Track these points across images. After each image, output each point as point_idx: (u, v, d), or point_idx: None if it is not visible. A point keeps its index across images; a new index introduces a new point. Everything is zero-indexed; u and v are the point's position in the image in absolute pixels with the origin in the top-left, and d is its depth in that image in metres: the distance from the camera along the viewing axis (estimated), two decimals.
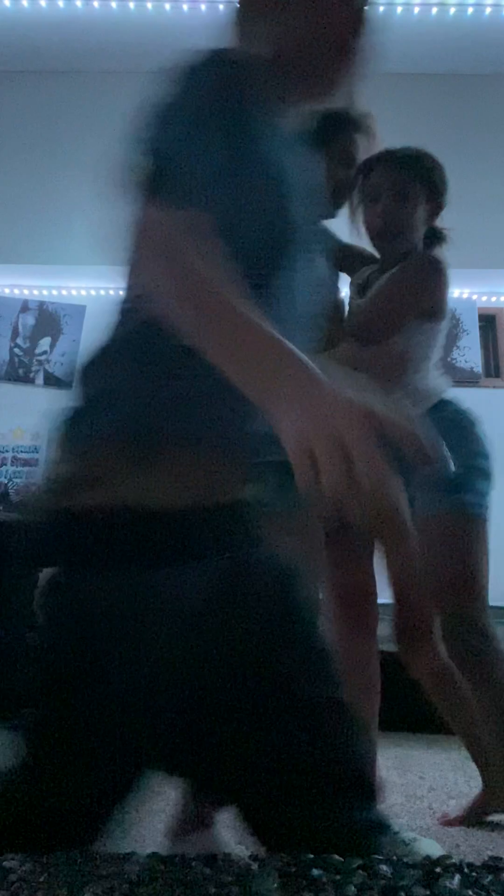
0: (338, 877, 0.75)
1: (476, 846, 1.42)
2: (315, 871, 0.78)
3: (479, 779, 1.97)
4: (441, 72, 3.68)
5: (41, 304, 3.92)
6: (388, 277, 1.47)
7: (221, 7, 3.43)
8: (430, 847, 1.43)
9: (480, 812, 1.59)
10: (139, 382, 0.71)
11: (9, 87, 3.83)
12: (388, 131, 1.60)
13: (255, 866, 0.90)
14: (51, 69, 3.80)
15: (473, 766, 2.11)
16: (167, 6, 3.43)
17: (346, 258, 1.57)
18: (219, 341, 0.62)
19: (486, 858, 1.02)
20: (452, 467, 1.38)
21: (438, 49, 3.61)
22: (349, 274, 1.61)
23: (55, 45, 3.65)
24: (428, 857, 1.00)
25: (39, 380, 3.83)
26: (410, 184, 1.46)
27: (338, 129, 1.42)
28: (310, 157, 0.83)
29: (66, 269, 3.78)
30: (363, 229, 1.53)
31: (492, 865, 0.96)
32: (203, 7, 3.43)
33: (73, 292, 3.92)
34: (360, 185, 1.51)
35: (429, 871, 0.91)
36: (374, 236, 1.52)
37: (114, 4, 3.44)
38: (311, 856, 0.71)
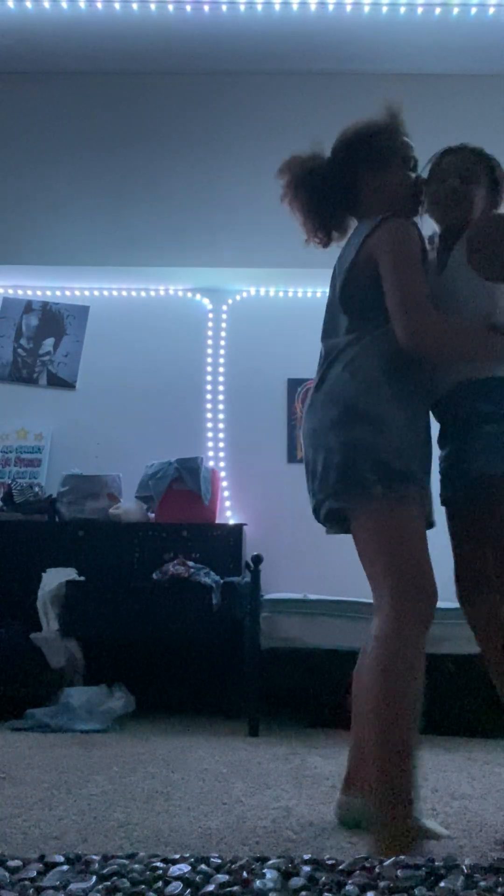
0: (338, 877, 0.75)
1: (479, 847, 1.41)
2: (315, 871, 0.78)
3: (483, 781, 1.97)
4: (441, 72, 3.67)
5: (45, 304, 3.92)
6: (465, 239, 1.58)
7: (224, 8, 3.43)
8: (435, 827, 1.44)
9: None
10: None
11: (13, 88, 3.84)
12: None
13: (256, 866, 0.90)
14: (54, 70, 3.80)
15: (476, 767, 2.11)
16: (170, 7, 3.43)
17: None
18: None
19: (492, 860, 1.02)
20: None
21: (438, 49, 3.61)
22: None
23: (58, 46, 3.65)
24: (431, 859, 0.99)
25: (43, 380, 3.83)
26: (475, 168, 1.62)
27: None
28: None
29: (69, 270, 3.79)
30: (429, 209, 1.65)
31: (497, 868, 0.96)
32: (206, 8, 3.43)
33: (77, 293, 3.93)
34: (430, 171, 1.65)
35: (432, 872, 0.91)
36: (439, 213, 1.64)
37: (117, 6, 3.44)
38: (311, 856, 0.71)
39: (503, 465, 1.45)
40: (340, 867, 0.86)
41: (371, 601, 1.69)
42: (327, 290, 1.64)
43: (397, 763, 1.27)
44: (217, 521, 3.36)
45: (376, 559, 1.42)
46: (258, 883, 0.80)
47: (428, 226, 1.67)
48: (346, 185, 1.62)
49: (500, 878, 0.86)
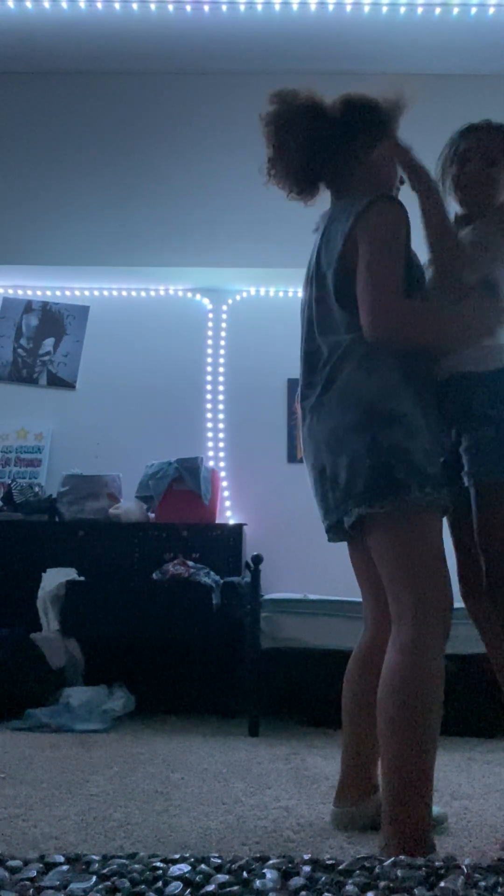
0: (338, 877, 0.75)
1: (479, 847, 1.41)
2: (315, 871, 0.78)
3: (483, 781, 1.97)
4: (441, 72, 3.67)
5: (45, 304, 3.92)
6: (480, 225, 1.56)
7: (224, 8, 3.43)
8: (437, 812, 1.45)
9: None
10: None
11: (13, 88, 3.84)
12: None
13: (256, 866, 0.90)
14: (55, 70, 3.80)
15: (476, 767, 2.10)
16: (170, 7, 3.43)
17: None
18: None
19: (492, 861, 1.02)
20: None
21: (438, 49, 3.61)
22: None
23: (58, 46, 3.65)
24: (431, 858, 0.99)
25: (43, 380, 3.83)
26: (497, 147, 1.59)
27: None
28: None
29: (69, 270, 3.79)
30: (453, 193, 1.63)
31: (497, 868, 0.96)
32: (206, 8, 3.43)
33: (77, 293, 3.93)
34: (451, 153, 1.63)
35: (432, 872, 0.91)
36: (463, 195, 1.61)
37: (117, 6, 3.44)
38: (311, 856, 0.71)
39: (499, 471, 1.43)
40: (340, 867, 0.86)
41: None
42: None
43: (420, 770, 1.26)
44: (217, 521, 3.36)
45: (401, 567, 1.36)
46: (258, 883, 0.80)
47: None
48: (335, 145, 1.52)
49: (500, 878, 0.86)
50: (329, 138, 1.51)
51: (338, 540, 1.55)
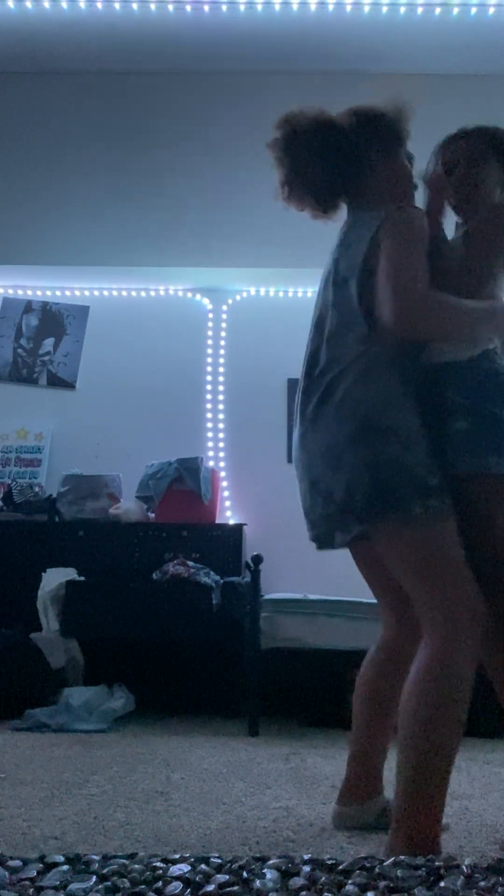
0: (338, 877, 0.75)
1: (479, 847, 1.41)
2: (315, 871, 0.78)
3: (483, 781, 1.97)
4: (441, 72, 3.67)
5: (45, 304, 3.92)
6: (472, 230, 1.54)
7: (224, 8, 3.43)
8: None
9: None
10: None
11: (13, 88, 3.84)
12: None
13: (256, 866, 0.90)
14: (54, 70, 3.80)
15: (476, 767, 2.10)
16: (170, 7, 3.43)
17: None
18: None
19: (492, 861, 1.02)
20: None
21: (438, 49, 3.61)
22: None
23: (58, 46, 3.65)
24: (431, 858, 0.99)
25: (43, 380, 3.83)
26: (483, 149, 1.58)
27: None
28: None
29: (69, 270, 3.79)
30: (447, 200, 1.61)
31: (497, 868, 0.96)
32: (206, 8, 3.43)
33: (77, 293, 3.93)
34: (439, 161, 1.61)
35: (432, 872, 0.91)
36: (453, 204, 1.59)
37: (117, 6, 3.44)
38: (311, 856, 0.71)
39: (480, 463, 1.38)
40: (340, 867, 0.86)
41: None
42: None
43: (437, 778, 1.25)
44: (217, 521, 3.36)
45: (424, 580, 1.34)
46: (258, 883, 0.80)
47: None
48: (352, 158, 1.53)
49: (500, 878, 0.86)
50: (346, 151, 1.53)
51: (326, 549, 1.54)
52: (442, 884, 0.81)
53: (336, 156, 1.52)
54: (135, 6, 3.43)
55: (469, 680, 1.29)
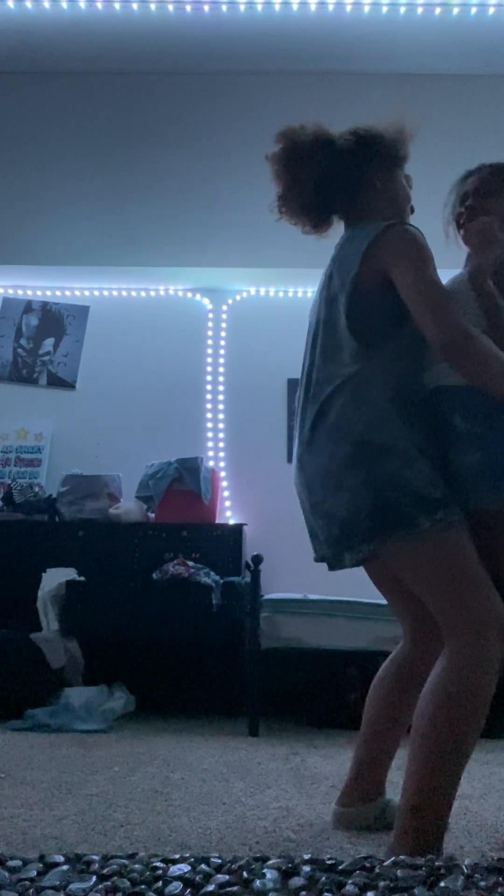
0: (338, 877, 0.75)
1: (479, 847, 1.41)
2: (315, 871, 0.78)
3: (483, 781, 1.97)
4: (441, 72, 3.67)
5: (45, 304, 3.93)
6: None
7: (224, 8, 3.43)
8: None
9: None
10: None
11: (13, 88, 3.84)
12: None
13: (256, 866, 0.90)
14: (54, 70, 3.81)
15: (476, 767, 2.11)
16: (170, 7, 3.44)
17: None
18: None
19: (492, 860, 1.02)
20: None
21: (438, 49, 3.61)
22: None
23: (58, 46, 3.65)
24: (431, 858, 0.99)
25: (43, 380, 3.83)
26: (490, 181, 1.57)
27: None
28: None
29: (69, 270, 3.79)
30: (460, 237, 1.60)
31: (497, 868, 0.96)
32: (206, 8, 3.43)
33: (77, 293, 3.93)
34: (455, 199, 1.62)
35: (432, 872, 0.91)
36: (465, 232, 1.57)
37: (117, 6, 3.44)
38: (311, 856, 0.71)
39: (496, 498, 1.36)
40: (340, 867, 0.86)
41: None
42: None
43: (447, 787, 1.25)
44: (217, 521, 3.36)
45: (442, 594, 1.33)
46: (258, 883, 0.80)
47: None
48: (349, 177, 1.53)
49: (500, 878, 0.86)
50: (342, 169, 1.53)
51: (337, 569, 1.49)
52: (442, 884, 0.81)
53: (332, 173, 1.53)
54: (135, 6, 3.44)
55: (491, 688, 1.27)
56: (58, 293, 3.94)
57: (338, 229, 1.64)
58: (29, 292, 3.94)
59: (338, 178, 1.53)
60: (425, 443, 1.39)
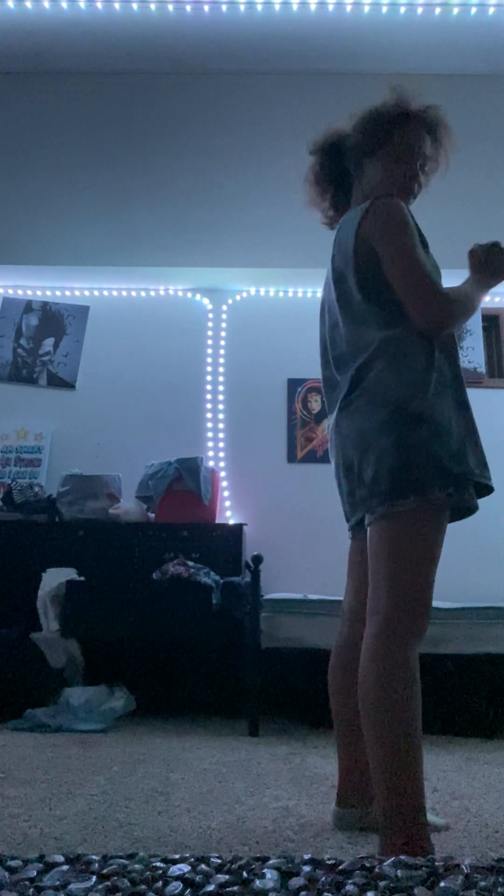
0: (338, 877, 0.75)
1: (479, 847, 1.41)
2: (315, 871, 0.78)
3: (483, 781, 1.97)
4: (441, 72, 3.68)
5: (45, 304, 3.93)
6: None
7: (224, 8, 3.43)
8: (434, 820, 1.45)
9: None
10: None
11: (13, 88, 3.85)
12: None
13: (256, 866, 0.90)
14: (54, 70, 3.81)
15: (476, 767, 2.11)
16: (170, 7, 3.44)
17: None
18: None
19: (492, 860, 1.02)
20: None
21: (438, 49, 3.61)
22: None
23: (58, 46, 3.66)
24: (431, 858, 0.99)
25: (43, 380, 3.83)
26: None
27: None
28: None
29: (69, 270, 3.79)
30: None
31: (497, 868, 0.95)
32: (206, 8, 3.43)
33: (77, 293, 3.93)
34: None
35: (432, 872, 0.91)
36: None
37: (117, 6, 3.45)
38: (311, 856, 0.71)
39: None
40: (340, 867, 0.86)
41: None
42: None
43: (408, 768, 1.23)
44: (217, 521, 3.36)
45: (392, 563, 1.34)
46: (258, 883, 0.80)
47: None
48: (359, 159, 1.61)
49: (500, 878, 0.86)
50: (348, 159, 1.63)
51: (361, 536, 1.53)
52: (442, 884, 0.81)
53: (343, 163, 1.63)
54: (135, 6, 3.44)
55: (409, 666, 1.27)
56: (58, 293, 3.94)
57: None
58: (29, 292, 3.94)
59: (344, 170, 1.65)
60: (458, 413, 1.42)
